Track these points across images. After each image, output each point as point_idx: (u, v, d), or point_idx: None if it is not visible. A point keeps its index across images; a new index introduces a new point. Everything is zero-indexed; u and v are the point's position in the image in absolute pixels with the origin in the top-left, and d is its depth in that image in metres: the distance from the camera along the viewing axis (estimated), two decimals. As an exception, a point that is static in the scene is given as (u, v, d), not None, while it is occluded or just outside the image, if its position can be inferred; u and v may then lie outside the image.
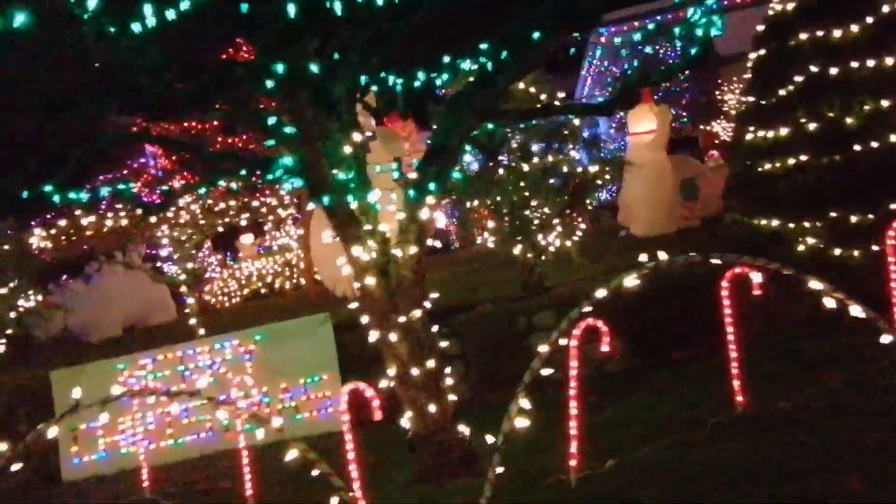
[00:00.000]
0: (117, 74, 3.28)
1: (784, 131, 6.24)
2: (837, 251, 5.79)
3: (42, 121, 3.89)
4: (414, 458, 4.62)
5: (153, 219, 7.03)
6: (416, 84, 4.49)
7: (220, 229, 7.82)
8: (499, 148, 5.82)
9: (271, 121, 3.74)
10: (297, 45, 3.37)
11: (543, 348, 2.91)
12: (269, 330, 7.04)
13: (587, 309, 2.92)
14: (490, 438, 3.33)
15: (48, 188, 4.04)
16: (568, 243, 7.28)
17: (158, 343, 7.62)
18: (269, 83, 3.45)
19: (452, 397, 4.42)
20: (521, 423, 2.91)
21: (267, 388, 6.87)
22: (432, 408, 4.29)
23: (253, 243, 18.57)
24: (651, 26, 12.59)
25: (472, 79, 3.99)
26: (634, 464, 4.06)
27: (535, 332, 6.57)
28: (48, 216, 8.41)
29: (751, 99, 6.92)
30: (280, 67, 3.40)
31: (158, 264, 8.47)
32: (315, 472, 2.97)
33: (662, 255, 2.93)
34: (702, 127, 15.41)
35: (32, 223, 10.05)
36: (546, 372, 2.89)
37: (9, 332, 8.57)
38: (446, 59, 4.46)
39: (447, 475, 4.32)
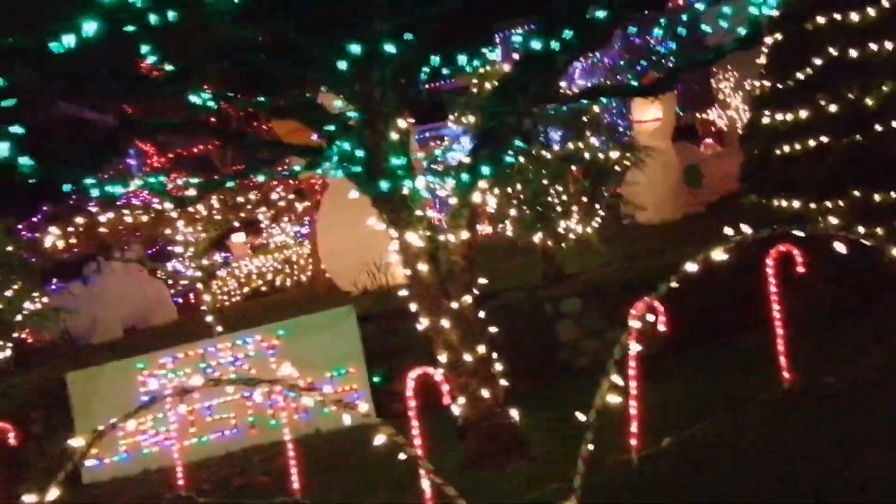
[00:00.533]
0: (214, 52, 3.20)
1: (804, 114, 6.32)
2: (861, 230, 5.87)
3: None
4: (463, 444, 4.60)
5: (174, 214, 6.87)
6: (447, 68, 4.44)
7: (237, 223, 7.66)
8: (531, 133, 5.80)
9: (338, 104, 3.68)
10: (371, 25, 3.31)
11: (635, 323, 2.90)
12: (292, 324, 6.95)
13: (674, 284, 2.91)
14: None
15: (88, 181, 3.93)
16: (588, 230, 7.30)
17: (163, 344, 7.43)
18: (343, 64, 3.38)
19: (504, 382, 4.41)
20: (613, 398, 2.90)
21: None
22: (485, 393, 4.27)
23: (245, 242, 18.41)
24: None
25: (520, 59, 3.93)
26: (690, 442, 4.09)
27: (563, 320, 6.58)
28: (56, 213, 8.20)
29: (767, 83, 6.99)
30: (356, 48, 3.33)
31: (172, 262, 8.27)
32: (402, 456, 2.93)
33: (746, 229, 2.93)
34: (697, 115, 15.57)
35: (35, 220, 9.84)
36: (636, 347, 2.88)
37: (14, 335, 8.34)
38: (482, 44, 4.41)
39: (500, 460, 4.30)
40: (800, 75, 6.43)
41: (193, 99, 3.86)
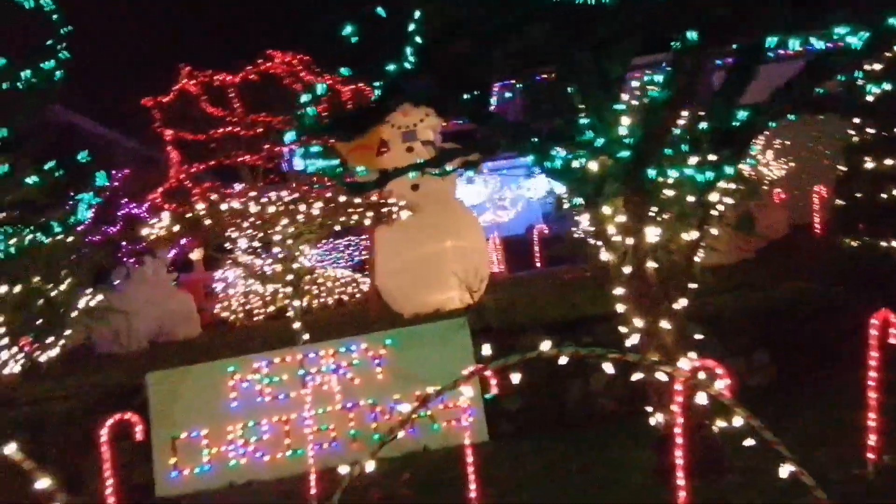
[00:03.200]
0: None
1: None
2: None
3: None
4: (658, 454, 4.39)
5: (271, 209, 6.48)
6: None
7: (337, 228, 7.31)
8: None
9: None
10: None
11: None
12: (401, 334, 6.62)
13: None
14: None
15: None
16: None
17: (195, 359, 6.83)
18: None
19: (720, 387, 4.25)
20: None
21: (398, 395, 6.43)
22: (697, 400, 4.10)
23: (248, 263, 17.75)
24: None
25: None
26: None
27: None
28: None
29: (871, 130, 7.28)
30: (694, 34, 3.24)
31: (258, 261, 7.78)
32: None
33: None
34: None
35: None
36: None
37: (67, 333, 7.68)
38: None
39: (711, 471, 4.12)
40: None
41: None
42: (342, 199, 6.80)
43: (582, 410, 6.52)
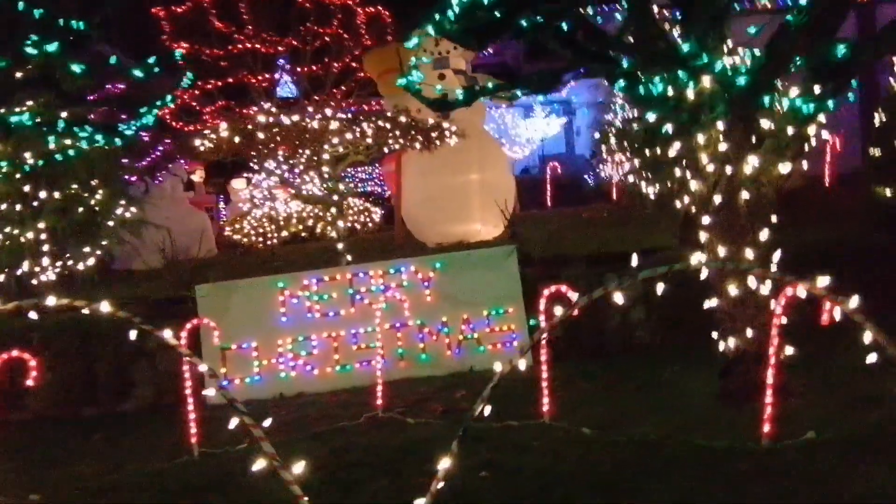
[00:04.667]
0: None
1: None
2: None
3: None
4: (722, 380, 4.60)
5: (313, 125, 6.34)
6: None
7: (385, 150, 7.22)
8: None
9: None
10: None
11: None
12: (450, 258, 6.69)
13: None
14: None
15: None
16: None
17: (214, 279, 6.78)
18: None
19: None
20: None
21: (446, 317, 6.56)
22: (749, 333, 4.26)
23: (245, 189, 17.53)
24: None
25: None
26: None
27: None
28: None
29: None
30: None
31: (297, 181, 7.68)
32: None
33: None
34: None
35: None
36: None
37: (104, 242, 7.59)
38: None
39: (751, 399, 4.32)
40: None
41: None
42: (402, 119, 6.70)
43: (619, 341, 6.74)
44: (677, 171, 4.06)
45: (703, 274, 2.98)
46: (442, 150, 8.34)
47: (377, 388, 5.56)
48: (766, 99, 3.83)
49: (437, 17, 3.78)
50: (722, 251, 4.26)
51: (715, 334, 4.58)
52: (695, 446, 3.84)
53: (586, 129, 23.38)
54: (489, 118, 17.48)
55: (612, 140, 8.21)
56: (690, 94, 4.08)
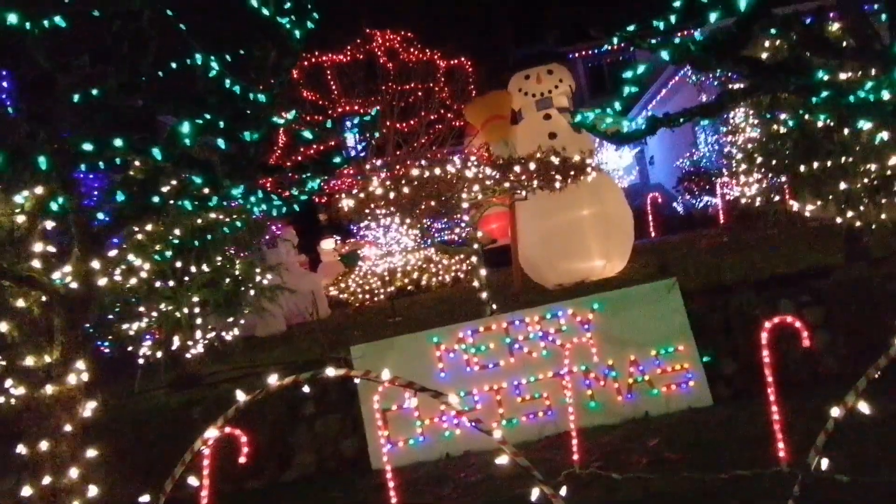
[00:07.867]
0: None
1: None
2: None
3: None
4: None
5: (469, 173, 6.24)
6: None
7: (523, 194, 7.06)
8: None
9: None
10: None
11: None
12: (608, 298, 6.36)
13: None
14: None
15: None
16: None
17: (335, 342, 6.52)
18: None
19: None
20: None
21: (612, 360, 6.20)
22: None
23: (335, 248, 17.76)
24: None
25: None
26: None
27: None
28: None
29: None
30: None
31: (436, 233, 7.61)
32: None
33: None
34: None
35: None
36: None
37: (247, 311, 7.65)
38: None
39: None
40: None
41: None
42: (554, 159, 6.54)
43: (805, 371, 6.21)
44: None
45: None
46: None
47: (552, 441, 5.22)
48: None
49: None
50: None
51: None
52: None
53: (662, 158, 22.86)
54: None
55: (739, 157, 7.78)
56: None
